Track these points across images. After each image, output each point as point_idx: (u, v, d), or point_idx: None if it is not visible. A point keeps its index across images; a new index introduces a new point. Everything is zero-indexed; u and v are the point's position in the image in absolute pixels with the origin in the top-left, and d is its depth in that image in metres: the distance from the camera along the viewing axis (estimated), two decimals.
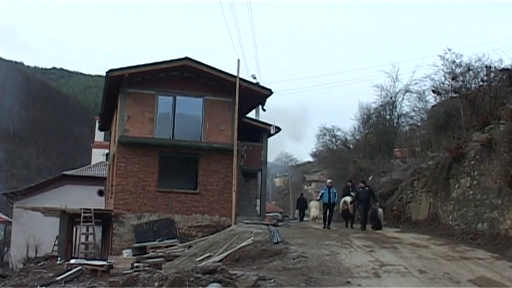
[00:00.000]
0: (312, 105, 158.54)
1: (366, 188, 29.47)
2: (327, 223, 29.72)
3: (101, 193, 51.74)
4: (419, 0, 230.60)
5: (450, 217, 24.61)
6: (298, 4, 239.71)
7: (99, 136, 68.18)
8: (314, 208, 36.48)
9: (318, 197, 32.53)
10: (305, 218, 44.05)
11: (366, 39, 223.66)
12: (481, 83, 28.13)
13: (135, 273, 14.28)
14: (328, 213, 29.93)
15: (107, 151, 55.85)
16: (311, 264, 16.26)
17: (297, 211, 50.14)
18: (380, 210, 28.64)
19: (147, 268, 17.13)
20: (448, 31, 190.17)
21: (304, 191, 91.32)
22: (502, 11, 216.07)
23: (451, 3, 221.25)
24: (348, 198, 30.39)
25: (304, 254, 17.85)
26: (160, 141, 34.78)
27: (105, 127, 48.29)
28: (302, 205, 46.68)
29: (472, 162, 22.93)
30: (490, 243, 19.36)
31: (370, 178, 38.13)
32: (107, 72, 33.68)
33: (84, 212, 33.32)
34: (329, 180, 32.69)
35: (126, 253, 31.16)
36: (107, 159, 54.80)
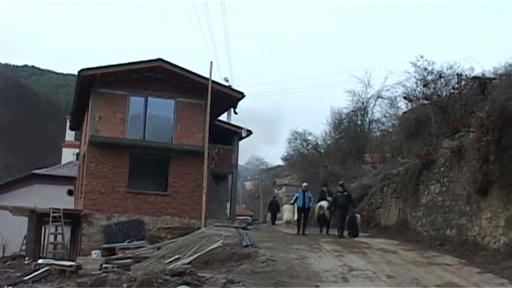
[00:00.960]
0: (285, 109, 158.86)
1: (345, 193, 27.58)
2: (301, 229, 28.02)
3: (70, 193, 51.40)
4: (393, 7, 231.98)
5: (419, 223, 24.76)
6: (272, 8, 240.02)
7: (69, 135, 67.82)
8: (287, 212, 33.76)
9: (292, 201, 30.55)
10: (277, 222, 43.89)
11: (339, 44, 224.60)
12: (452, 91, 28.38)
13: (104, 274, 14.23)
14: (302, 218, 28.24)
15: (77, 151, 55.59)
16: (280, 267, 16.30)
17: (269, 214, 48.69)
18: (358, 216, 27.32)
19: (115, 269, 17.07)
20: (421, 38, 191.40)
21: (275, 194, 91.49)
22: (473, 21, 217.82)
23: (425, 11, 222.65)
24: (324, 203, 28.95)
25: (273, 258, 17.90)
26: (131, 142, 34.66)
27: (76, 126, 48.06)
28: (274, 208, 44.99)
29: (442, 169, 23.11)
30: (458, 249, 19.53)
31: (341, 183, 38.28)
32: (79, 72, 33.53)
33: (53, 212, 33.11)
34: (304, 184, 30.29)
35: (95, 254, 30.98)
36: (77, 159, 54.47)
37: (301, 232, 27.90)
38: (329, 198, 29.21)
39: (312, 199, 29.08)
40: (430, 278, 14.79)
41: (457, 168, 21.33)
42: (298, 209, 28.96)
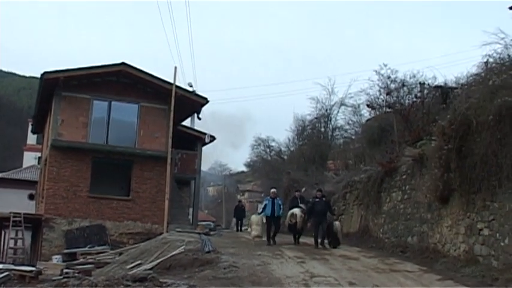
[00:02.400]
0: (250, 115, 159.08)
1: (323, 199, 25.46)
2: (271, 240, 25.75)
3: (31, 197, 51.05)
4: (357, 16, 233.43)
5: (381, 230, 24.93)
6: (236, 15, 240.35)
7: (31, 139, 67.29)
8: (255, 225, 26.75)
9: (260, 210, 27.64)
10: (244, 228, 43.69)
11: (303, 51, 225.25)
12: (415, 99, 28.56)
13: (65, 279, 14.13)
14: (272, 228, 26.05)
15: (39, 154, 55.13)
16: (242, 274, 16.29)
17: (234, 220, 48.05)
18: (337, 223, 25.50)
19: (76, 275, 16.94)
20: (384, 47, 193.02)
21: (240, 199, 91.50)
22: (436, 31, 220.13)
23: (389, 21, 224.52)
24: (296, 211, 25.95)
25: (235, 264, 17.88)
26: (94, 146, 34.44)
27: (38, 130, 47.63)
28: (240, 214, 43.91)
29: (404, 176, 23.29)
30: (419, 256, 19.69)
31: (303, 189, 38.34)
32: (42, 74, 33.30)
33: (13, 216, 32.84)
34: (273, 190, 27.51)
35: (56, 259, 30.74)
36: (39, 163, 54.05)
37: (271, 242, 25.53)
38: (302, 205, 26.44)
39: (282, 206, 26.65)
40: (391, 285, 14.88)
41: (419, 176, 21.52)
42: (267, 218, 26.36)
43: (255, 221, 26.71)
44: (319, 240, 24.40)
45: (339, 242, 24.68)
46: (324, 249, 23.53)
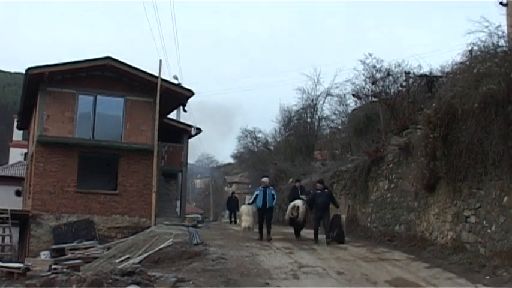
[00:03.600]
0: (236, 106, 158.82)
1: (325, 190, 23.68)
2: (263, 233, 23.90)
3: (18, 193, 50.85)
4: (341, 5, 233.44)
5: (368, 219, 25.02)
6: (222, 7, 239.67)
7: (17, 135, 67.09)
8: (246, 216, 25.33)
9: (251, 200, 25.32)
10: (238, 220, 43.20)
11: (288, 42, 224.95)
12: (400, 88, 28.61)
13: (53, 275, 14.11)
14: (265, 220, 23.99)
15: (25, 150, 54.95)
16: (230, 265, 16.32)
17: (227, 212, 47.57)
18: (343, 216, 23.66)
19: (65, 270, 16.92)
20: (370, 37, 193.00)
21: (225, 192, 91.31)
22: (422, 19, 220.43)
23: (374, 10, 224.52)
24: (299, 203, 24.16)
25: (223, 256, 17.91)
26: (80, 141, 34.30)
27: (24, 126, 47.41)
28: (233, 206, 42.44)
29: (390, 165, 23.37)
30: (406, 244, 19.79)
31: (290, 180, 38.40)
32: (26, 70, 33.09)
33: (0, 213, 32.66)
34: (264, 179, 25.21)
35: (44, 255, 30.68)
36: (25, 159, 53.87)
37: (263, 238, 23.58)
38: (303, 197, 24.71)
39: (275, 196, 24.48)
40: (379, 273, 14.95)
41: (405, 164, 21.60)
42: (258, 210, 24.32)
43: (245, 211, 25.47)
44: (324, 236, 22.43)
45: (343, 237, 22.39)
46: (327, 244, 21.55)
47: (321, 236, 22.56)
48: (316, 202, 23.23)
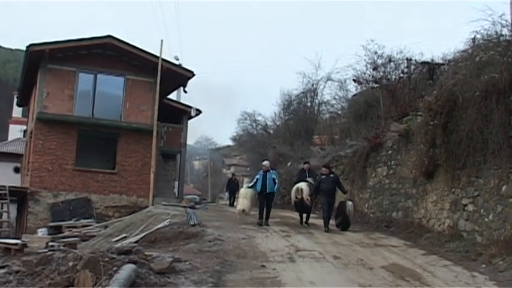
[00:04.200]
0: (237, 89, 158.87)
1: (331, 175, 22.36)
2: (263, 219, 22.59)
3: (17, 170, 50.92)
4: None
5: (366, 205, 25.05)
6: None
7: (17, 112, 67.06)
8: (242, 198, 23.96)
9: (251, 184, 24.21)
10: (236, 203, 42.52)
11: (290, 25, 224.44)
12: (401, 75, 28.61)
13: (50, 252, 14.09)
14: (265, 206, 22.80)
15: (24, 127, 54.95)
16: (227, 247, 16.33)
17: (226, 194, 45.96)
18: (350, 203, 22.13)
19: (62, 248, 16.92)
20: (372, 22, 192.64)
21: (223, 174, 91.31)
22: (425, 6, 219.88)
23: None
24: (302, 185, 22.86)
25: (220, 237, 17.91)
26: (80, 119, 34.29)
27: (24, 103, 47.35)
28: (233, 187, 40.18)
29: (389, 152, 23.37)
30: (403, 231, 19.84)
31: (289, 164, 38.38)
32: (27, 47, 33.02)
33: None
34: (265, 163, 23.83)
35: (41, 232, 30.72)
36: (24, 136, 53.86)
37: (263, 223, 22.35)
38: (310, 179, 23.51)
39: (276, 181, 23.01)
40: (375, 259, 14.97)
41: (405, 151, 21.61)
42: (258, 195, 23.12)
43: (243, 194, 24.06)
44: (326, 227, 21.11)
45: (349, 224, 21.54)
46: (327, 231, 20.63)
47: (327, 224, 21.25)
48: (321, 188, 22.06)
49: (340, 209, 21.89)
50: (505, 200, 14.73)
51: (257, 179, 23.10)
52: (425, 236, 18.23)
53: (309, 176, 23.88)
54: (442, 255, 15.29)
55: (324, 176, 22.21)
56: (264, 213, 22.71)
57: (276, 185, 23.13)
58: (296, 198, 22.92)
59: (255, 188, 23.07)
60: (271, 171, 23.22)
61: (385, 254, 15.74)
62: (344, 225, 21.36)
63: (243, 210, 23.44)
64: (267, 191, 22.65)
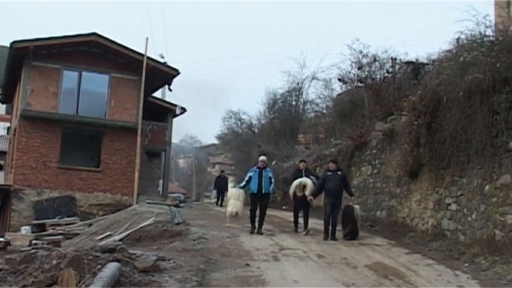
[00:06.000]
0: (222, 87, 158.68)
1: (339, 172, 19.35)
2: (256, 225, 19.60)
3: (0, 168, 50.60)
4: None
5: (350, 204, 25.11)
6: None
7: (0, 109, 66.59)
8: (233, 199, 20.40)
9: (243, 183, 20.55)
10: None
11: (276, 24, 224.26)
12: (386, 74, 28.73)
13: (33, 250, 14.05)
14: (258, 209, 19.77)
15: (8, 125, 54.62)
16: (211, 246, 16.33)
17: (214, 192, 44.16)
18: (357, 207, 19.60)
19: (45, 246, 16.87)
20: (357, 22, 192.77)
21: (208, 173, 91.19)
22: (409, 7, 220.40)
23: None
24: (307, 181, 19.77)
25: (204, 236, 17.91)
26: (64, 116, 34.19)
27: (8, 100, 47.06)
28: (221, 186, 37.37)
29: (374, 151, 23.47)
30: (387, 230, 19.93)
31: (274, 162, 38.41)
32: (11, 44, 32.87)
33: None
34: (262, 158, 20.72)
35: (25, 230, 30.63)
36: (8, 133, 53.58)
37: (255, 231, 19.42)
38: (313, 178, 20.22)
39: (272, 180, 20.02)
40: (359, 258, 15.01)
41: (389, 150, 21.70)
42: (251, 195, 20.01)
43: (234, 195, 20.55)
44: (326, 234, 18.68)
45: (357, 232, 18.76)
46: (333, 239, 18.30)
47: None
48: (326, 186, 19.09)
49: (347, 215, 18.97)
50: (488, 199, 14.83)
51: (250, 177, 19.83)
52: (409, 235, 18.33)
53: (306, 176, 20.21)
54: (425, 254, 15.37)
55: (330, 173, 19.22)
56: (257, 217, 19.80)
57: (272, 185, 20.10)
58: (297, 194, 19.88)
59: (249, 187, 19.97)
60: (267, 168, 20.24)
61: (368, 253, 15.79)
62: (353, 234, 18.48)
63: (236, 213, 20.15)
64: (263, 192, 19.69)
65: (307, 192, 19.41)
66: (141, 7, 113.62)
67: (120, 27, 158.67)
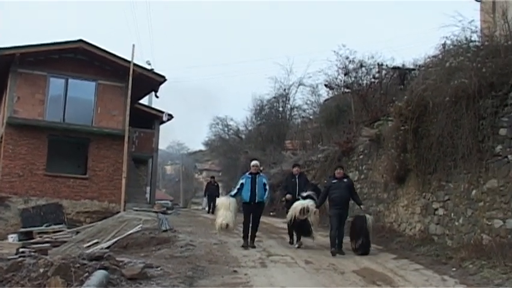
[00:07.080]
0: (209, 93, 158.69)
1: (345, 180, 17.54)
2: (248, 238, 17.96)
3: None
4: None
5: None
6: None
7: None
8: (223, 210, 18.17)
9: (234, 191, 18.51)
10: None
11: (262, 30, 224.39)
12: (373, 80, 28.83)
13: (20, 258, 13.99)
14: (251, 219, 18.01)
15: None
16: (199, 252, 16.32)
17: (204, 199, 42.57)
18: (369, 217, 17.81)
19: (32, 254, 16.79)
20: (343, 27, 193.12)
21: (195, 179, 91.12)
22: (396, 13, 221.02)
23: (349, 2, 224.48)
24: (309, 204, 17.55)
25: (192, 243, 17.90)
26: (51, 124, 34.04)
27: None
28: (212, 192, 35.55)
29: (361, 156, 23.52)
30: (375, 235, 19.86)
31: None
32: None
33: None
34: (254, 163, 19.03)
35: (12, 238, 30.41)
36: None
37: (249, 244, 17.81)
38: (311, 193, 18.32)
39: (267, 187, 18.14)
40: (347, 263, 15.03)
41: (376, 156, 21.76)
42: (244, 204, 18.20)
43: (224, 205, 18.22)
44: (333, 247, 16.74)
45: (369, 245, 16.98)
46: (341, 253, 16.67)
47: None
48: (331, 196, 17.38)
49: (357, 227, 17.35)
50: (475, 204, 14.88)
51: (242, 184, 18.05)
52: (396, 240, 18.38)
53: (302, 185, 19.03)
54: (413, 259, 15.39)
55: (335, 181, 17.46)
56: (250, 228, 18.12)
57: (267, 193, 18.18)
58: (299, 216, 17.53)
59: (241, 196, 18.16)
60: (260, 174, 18.59)
61: (356, 259, 15.82)
62: (366, 248, 16.79)
63: (227, 226, 18.08)
64: (256, 200, 17.90)
65: (310, 218, 17.56)
66: (127, 13, 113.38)
67: (106, 34, 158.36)
